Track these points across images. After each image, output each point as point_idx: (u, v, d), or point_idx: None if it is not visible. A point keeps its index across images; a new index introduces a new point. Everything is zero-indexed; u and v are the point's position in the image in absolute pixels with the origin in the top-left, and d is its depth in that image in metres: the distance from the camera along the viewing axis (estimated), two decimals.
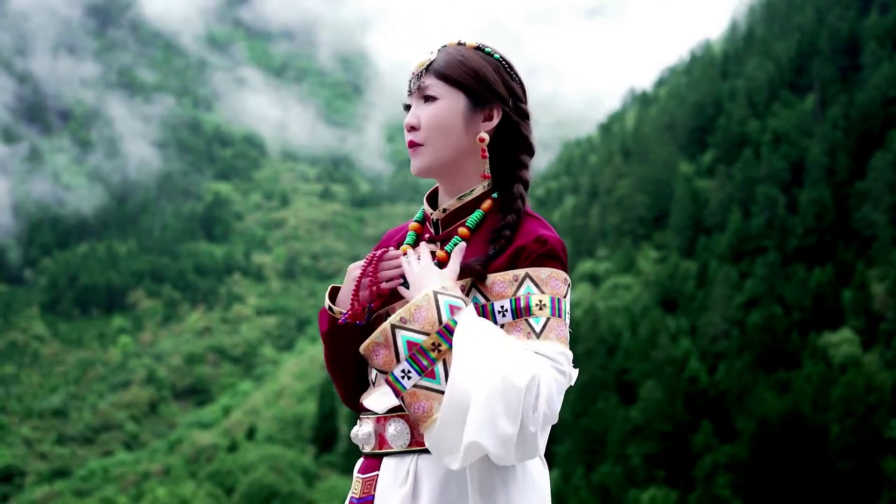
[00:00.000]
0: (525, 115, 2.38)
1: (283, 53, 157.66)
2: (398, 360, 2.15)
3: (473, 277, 2.24)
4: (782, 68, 59.36)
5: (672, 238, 55.99)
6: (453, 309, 2.15)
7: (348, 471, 58.33)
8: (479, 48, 2.36)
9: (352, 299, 2.31)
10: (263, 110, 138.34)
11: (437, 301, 2.16)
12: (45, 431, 76.18)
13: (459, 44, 2.36)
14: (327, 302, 2.39)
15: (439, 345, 2.13)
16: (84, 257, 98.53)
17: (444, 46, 2.37)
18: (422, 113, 2.32)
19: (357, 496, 2.34)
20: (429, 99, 2.31)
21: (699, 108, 62.88)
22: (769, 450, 34.62)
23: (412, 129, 2.33)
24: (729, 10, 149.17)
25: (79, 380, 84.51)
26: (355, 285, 2.32)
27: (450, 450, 2.09)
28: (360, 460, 2.39)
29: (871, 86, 50.04)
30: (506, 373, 2.05)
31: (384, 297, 2.34)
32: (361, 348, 2.21)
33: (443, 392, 2.11)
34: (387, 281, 2.33)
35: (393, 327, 2.16)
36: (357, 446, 2.38)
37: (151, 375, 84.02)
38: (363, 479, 2.34)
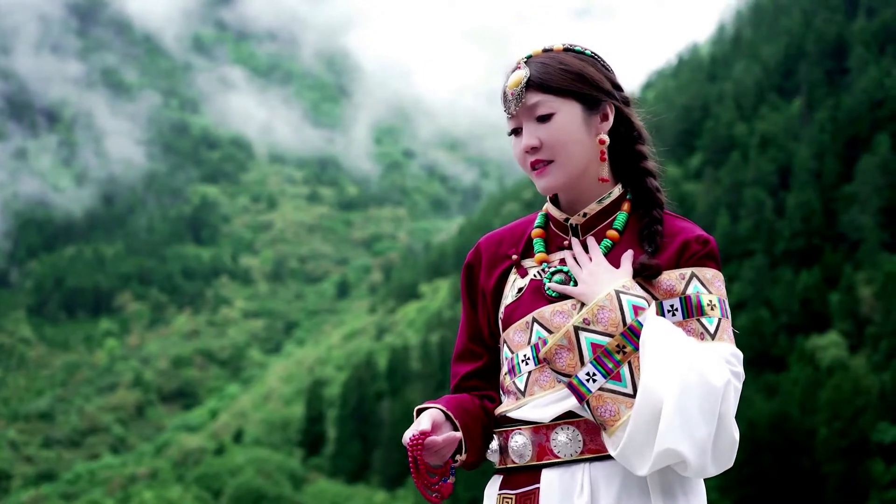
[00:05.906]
0: (629, 103, 2.30)
1: (268, 54, 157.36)
2: (582, 363, 2.08)
3: (650, 274, 2.14)
4: (769, 72, 59.45)
5: None
6: (637, 309, 2.08)
7: (335, 474, 58.17)
8: (568, 49, 2.25)
9: (424, 494, 2.12)
10: (250, 112, 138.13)
11: (620, 301, 2.09)
12: (32, 435, 75.90)
13: (546, 50, 2.24)
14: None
15: (624, 346, 2.07)
16: (71, 260, 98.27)
17: (531, 57, 2.24)
18: (540, 132, 2.19)
19: None
20: (543, 117, 2.19)
21: (686, 111, 62.86)
22: (757, 453, 34.67)
23: (533, 149, 2.20)
24: (716, 13, 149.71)
25: (65, 383, 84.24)
26: (416, 476, 2.10)
27: (639, 455, 2.01)
28: (498, 478, 2.22)
29: (858, 89, 50.14)
30: (702, 372, 2.00)
31: (446, 467, 2.16)
32: (543, 352, 2.13)
33: (629, 395, 2.05)
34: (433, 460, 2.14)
35: (576, 329, 2.10)
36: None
37: (138, 378, 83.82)
38: (516, 494, 2.17)
